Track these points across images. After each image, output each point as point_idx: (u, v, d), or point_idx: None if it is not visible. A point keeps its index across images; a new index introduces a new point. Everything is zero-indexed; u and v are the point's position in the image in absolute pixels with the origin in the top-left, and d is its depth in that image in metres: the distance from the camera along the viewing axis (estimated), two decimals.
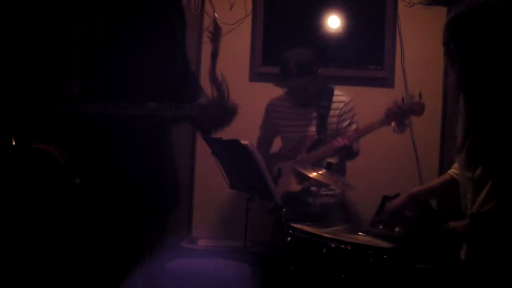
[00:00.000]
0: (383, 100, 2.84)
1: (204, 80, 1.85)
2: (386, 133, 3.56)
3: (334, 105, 3.01)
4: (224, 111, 1.54)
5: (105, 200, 1.45)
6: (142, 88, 1.48)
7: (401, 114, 2.61)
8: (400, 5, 3.68)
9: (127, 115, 1.41)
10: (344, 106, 3.01)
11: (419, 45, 3.71)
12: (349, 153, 2.96)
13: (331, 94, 3.04)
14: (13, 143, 1.35)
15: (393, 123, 2.60)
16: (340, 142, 2.82)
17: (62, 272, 1.45)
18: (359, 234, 2.46)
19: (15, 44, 1.44)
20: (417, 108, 2.61)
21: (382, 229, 2.44)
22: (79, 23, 1.46)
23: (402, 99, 2.62)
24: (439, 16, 3.73)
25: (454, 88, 1.98)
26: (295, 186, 2.93)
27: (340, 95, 3.06)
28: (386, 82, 3.65)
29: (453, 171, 2.23)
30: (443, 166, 3.73)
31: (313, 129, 3.03)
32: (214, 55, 1.49)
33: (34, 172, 1.37)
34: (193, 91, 1.67)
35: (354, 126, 3.01)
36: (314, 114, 3.04)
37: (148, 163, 1.54)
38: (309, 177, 2.63)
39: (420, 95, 2.58)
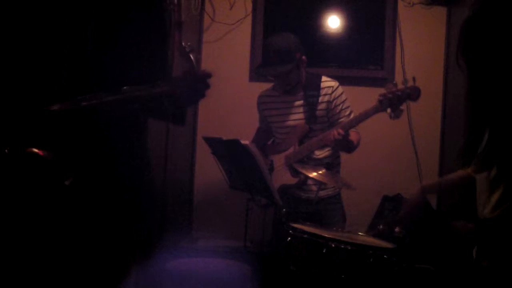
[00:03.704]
0: None
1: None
2: (386, 133, 3.58)
3: (323, 92, 2.90)
4: (199, 79, 1.52)
5: (96, 199, 1.44)
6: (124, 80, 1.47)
7: (396, 99, 2.42)
8: (400, 5, 3.69)
9: (104, 103, 1.40)
10: (333, 91, 2.89)
11: (419, 45, 3.72)
12: (346, 143, 2.78)
13: (319, 81, 2.93)
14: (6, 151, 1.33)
15: (388, 110, 2.49)
16: (334, 133, 2.66)
17: (58, 274, 1.44)
18: (359, 234, 2.46)
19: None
20: (413, 92, 2.48)
21: (382, 229, 2.44)
22: (70, 22, 1.45)
23: (395, 84, 2.50)
24: (439, 16, 3.74)
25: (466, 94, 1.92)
26: (290, 179, 2.91)
27: (328, 81, 2.93)
28: (386, 82, 3.65)
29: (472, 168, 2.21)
30: (443, 166, 3.73)
31: (300, 117, 2.94)
32: (179, 26, 1.48)
33: (30, 177, 1.35)
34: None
35: (348, 111, 2.89)
36: (301, 102, 2.94)
37: (127, 156, 1.53)
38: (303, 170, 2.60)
39: (414, 79, 2.46)
